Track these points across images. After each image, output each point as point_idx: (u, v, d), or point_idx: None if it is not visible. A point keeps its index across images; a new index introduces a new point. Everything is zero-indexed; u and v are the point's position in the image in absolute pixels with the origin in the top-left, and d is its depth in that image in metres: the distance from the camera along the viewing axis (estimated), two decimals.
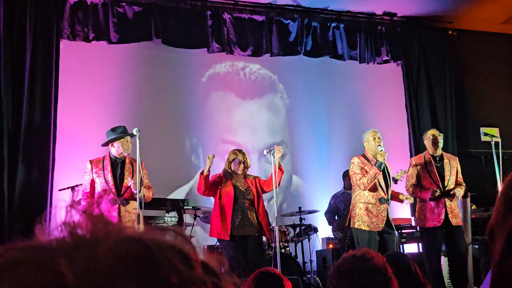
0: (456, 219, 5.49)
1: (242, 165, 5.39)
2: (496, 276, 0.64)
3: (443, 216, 5.44)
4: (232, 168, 5.42)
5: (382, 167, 5.26)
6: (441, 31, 8.76)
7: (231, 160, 5.45)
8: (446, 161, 5.69)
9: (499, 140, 5.78)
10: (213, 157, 5.27)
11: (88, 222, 0.49)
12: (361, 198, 5.33)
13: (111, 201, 4.96)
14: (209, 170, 5.24)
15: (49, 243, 0.47)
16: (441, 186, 5.54)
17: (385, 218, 5.25)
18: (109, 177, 5.03)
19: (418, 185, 5.63)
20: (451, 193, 5.52)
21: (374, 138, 5.42)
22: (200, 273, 0.49)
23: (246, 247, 5.25)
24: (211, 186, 5.32)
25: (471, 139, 8.46)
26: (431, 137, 5.68)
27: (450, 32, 8.80)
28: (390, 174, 5.50)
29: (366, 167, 5.34)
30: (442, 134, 5.79)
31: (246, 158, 5.45)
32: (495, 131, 8.27)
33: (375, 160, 5.31)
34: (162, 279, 0.46)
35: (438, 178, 5.56)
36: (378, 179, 5.28)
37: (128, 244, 0.47)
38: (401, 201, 5.53)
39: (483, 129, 7.98)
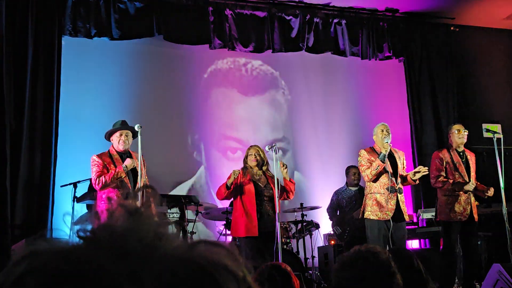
0: (476, 214, 5.62)
1: (253, 157, 5.47)
2: None
3: (468, 211, 5.53)
4: (248, 163, 5.51)
5: (385, 159, 5.32)
6: (443, 27, 8.74)
7: (246, 156, 5.58)
8: (468, 156, 5.78)
9: (501, 136, 5.77)
10: (239, 173, 5.31)
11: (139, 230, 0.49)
12: (371, 189, 5.44)
13: (125, 195, 4.89)
14: (233, 184, 5.28)
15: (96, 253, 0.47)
16: (468, 180, 5.60)
17: (394, 208, 5.29)
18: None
19: (447, 178, 5.66)
20: (486, 194, 5.61)
21: (382, 131, 5.49)
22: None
23: (267, 243, 5.30)
24: (231, 193, 5.39)
25: (473, 135, 8.40)
26: (457, 133, 5.71)
27: (452, 28, 8.78)
28: (400, 163, 5.51)
29: (372, 158, 5.43)
30: (467, 130, 5.81)
31: (260, 153, 5.52)
32: (497, 127, 8.26)
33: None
34: None
35: (466, 173, 5.62)
36: (387, 169, 5.33)
37: (185, 265, 0.47)
38: (414, 181, 5.40)
39: (485, 125, 7.97)
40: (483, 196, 5.72)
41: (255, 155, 5.49)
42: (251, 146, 5.65)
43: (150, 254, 0.47)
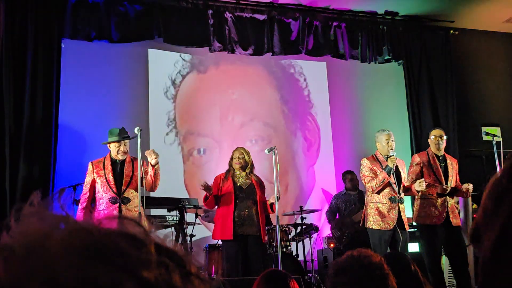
0: (456, 220, 5.50)
1: (237, 160, 5.42)
2: (489, 274, 0.62)
3: (445, 215, 5.45)
4: (232, 165, 5.47)
5: (391, 173, 5.28)
6: (442, 30, 8.76)
7: (231, 158, 5.53)
8: (448, 161, 5.71)
9: (501, 139, 5.77)
10: (206, 184, 5.25)
11: (35, 220, 0.51)
12: (373, 198, 5.40)
13: (112, 200, 4.99)
14: (211, 193, 5.26)
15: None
16: (444, 185, 5.55)
17: (396, 217, 5.27)
18: (110, 176, 5.05)
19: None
20: (464, 190, 5.52)
21: (388, 142, 5.45)
22: (150, 254, 0.50)
23: (247, 246, 5.26)
24: (216, 199, 5.37)
25: (473, 139, 8.45)
26: (433, 139, 5.69)
27: (451, 31, 8.80)
28: (403, 172, 5.49)
29: (375, 168, 5.38)
30: (445, 136, 5.77)
31: (245, 155, 5.48)
32: (496, 130, 8.27)
33: (386, 162, 5.36)
34: (108, 263, 0.47)
35: (443, 177, 5.57)
36: (390, 181, 5.31)
37: (74, 235, 0.48)
38: (417, 192, 5.37)
39: (484, 129, 7.98)
40: (465, 196, 5.65)
41: (238, 157, 5.44)
42: (236, 148, 5.60)
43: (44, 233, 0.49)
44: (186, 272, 0.52)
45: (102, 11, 7.00)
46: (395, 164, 5.33)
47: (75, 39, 6.91)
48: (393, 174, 5.35)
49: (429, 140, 5.80)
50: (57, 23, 6.76)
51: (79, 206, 5.11)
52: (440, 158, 5.69)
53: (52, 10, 6.74)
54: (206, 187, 5.22)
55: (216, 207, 5.48)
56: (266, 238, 5.50)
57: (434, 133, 5.75)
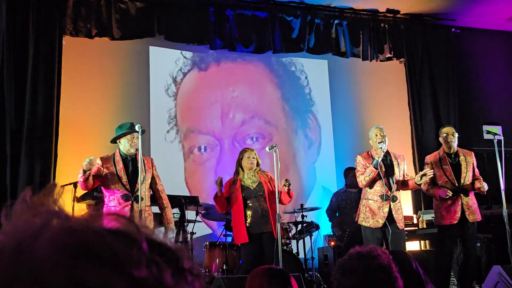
0: (473, 216, 5.51)
1: (251, 160, 5.38)
2: None
3: (459, 214, 5.46)
4: (244, 165, 5.42)
5: (378, 165, 5.25)
6: (444, 28, 8.74)
7: (241, 158, 5.47)
8: (462, 157, 5.68)
9: (502, 138, 5.76)
10: (221, 180, 5.24)
11: (28, 216, 0.50)
12: (365, 195, 5.41)
13: (124, 197, 4.84)
14: (221, 191, 5.24)
15: None
16: (456, 184, 5.54)
17: (386, 215, 5.24)
18: (122, 173, 4.91)
19: (433, 183, 5.60)
20: (478, 190, 5.52)
21: (377, 135, 5.41)
22: (142, 251, 0.49)
23: (263, 244, 5.25)
24: (227, 201, 5.34)
25: (474, 137, 8.43)
26: (444, 136, 5.68)
27: (453, 30, 8.78)
28: (399, 170, 5.43)
29: (367, 164, 5.37)
30: (456, 133, 5.75)
31: (256, 155, 5.47)
32: (498, 129, 8.25)
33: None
34: (97, 263, 0.46)
35: (454, 177, 5.56)
36: (381, 177, 5.28)
37: (63, 234, 0.48)
38: (418, 185, 5.37)
39: (485, 127, 7.96)
40: (481, 192, 5.61)
41: (253, 157, 5.40)
42: (247, 149, 5.54)
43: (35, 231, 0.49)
44: (178, 268, 0.51)
45: (103, 8, 6.99)
46: (381, 157, 5.28)
47: (76, 36, 6.91)
48: (381, 167, 5.29)
49: (440, 139, 5.78)
50: (58, 21, 6.76)
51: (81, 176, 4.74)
52: (452, 156, 5.68)
53: (53, 8, 6.74)
54: (219, 183, 5.20)
55: (229, 210, 5.47)
56: (275, 235, 5.42)
57: (446, 131, 5.73)
